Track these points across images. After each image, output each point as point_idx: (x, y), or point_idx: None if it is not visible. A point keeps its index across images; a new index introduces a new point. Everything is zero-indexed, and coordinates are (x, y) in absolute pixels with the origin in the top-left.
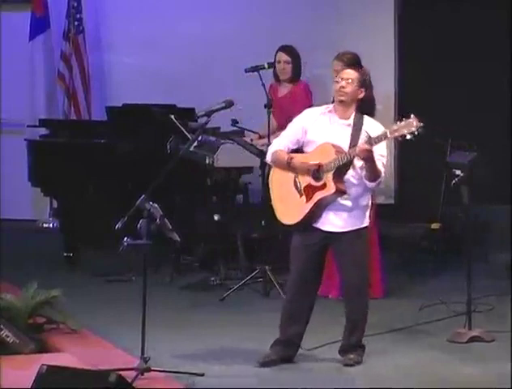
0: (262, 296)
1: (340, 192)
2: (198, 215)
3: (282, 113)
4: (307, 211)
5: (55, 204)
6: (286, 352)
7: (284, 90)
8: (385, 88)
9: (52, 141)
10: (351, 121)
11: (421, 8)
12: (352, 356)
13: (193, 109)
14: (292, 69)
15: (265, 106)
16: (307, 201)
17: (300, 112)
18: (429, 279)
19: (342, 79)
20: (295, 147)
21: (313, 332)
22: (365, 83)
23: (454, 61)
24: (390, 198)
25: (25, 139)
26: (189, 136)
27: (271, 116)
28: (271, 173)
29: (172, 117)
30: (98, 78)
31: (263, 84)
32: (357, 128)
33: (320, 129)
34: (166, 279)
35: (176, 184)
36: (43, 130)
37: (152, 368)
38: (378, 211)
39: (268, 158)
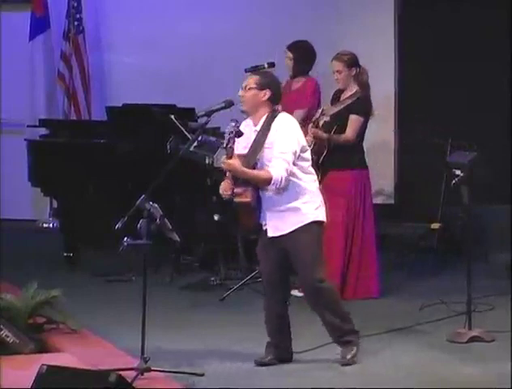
0: (262, 296)
1: (243, 205)
2: (198, 215)
3: (287, 109)
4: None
5: (55, 204)
6: (277, 353)
7: (295, 86)
8: (385, 88)
9: (52, 141)
10: (259, 127)
11: (421, 8)
12: (348, 356)
13: (193, 109)
14: (294, 65)
15: None
16: None
17: (302, 108)
18: (429, 279)
19: (241, 88)
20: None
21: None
22: (272, 83)
23: (454, 61)
24: (390, 198)
25: (25, 139)
26: (189, 136)
27: None
28: None
29: (172, 117)
30: (98, 78)
31: None
32: (262, 134)
33: (244, 140)
34: (166, 279)
35: (176, 184)
36: (43, 130)
37: (152, 368)
38: (378, 211)
39: None
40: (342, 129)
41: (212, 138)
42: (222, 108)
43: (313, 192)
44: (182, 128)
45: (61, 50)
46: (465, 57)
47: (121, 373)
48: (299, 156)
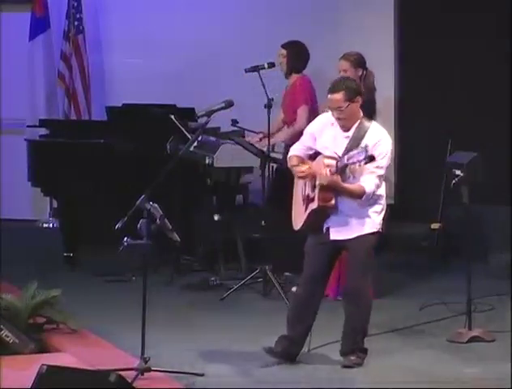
0: (262, 296)
1: (325, 207)
2: (198, 215)
3: (283, 107)
4: (303, 220)
5: (55, 204)
6: (290, 349)
7: (289, 83)
8: (385, 90)
9: (52, 141)
10: (350, 133)
11: (421, 9)
12: (352, 358)
13: (193, 109)
14: (287, 63)
15: (265, 106)
16: (305, 210)
17: (293, 107)
18: (429, 279)
19: (331, 108)
20: (311, 153)
21: (313, 332)
22: (356, 92)
23: (453, 61)
24: (390, 198)
25: (25, 139)
26: (189, 136)
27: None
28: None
29: (172, 117)
30: (98, 78)
31: (263, 84)
32: (355, 140)
33: (326, 139)
34: (166, 279)
35: (176, 184)
36: (43, 130)
37: (152, 368)
38: None
39: (288, 162)
40: None
41: (212, 138)
42: (222, 108)
43: (383, 201)
44: (182, 128)
45: (61, 50)
46: (465, 58)
47: (121, 373)
48: None
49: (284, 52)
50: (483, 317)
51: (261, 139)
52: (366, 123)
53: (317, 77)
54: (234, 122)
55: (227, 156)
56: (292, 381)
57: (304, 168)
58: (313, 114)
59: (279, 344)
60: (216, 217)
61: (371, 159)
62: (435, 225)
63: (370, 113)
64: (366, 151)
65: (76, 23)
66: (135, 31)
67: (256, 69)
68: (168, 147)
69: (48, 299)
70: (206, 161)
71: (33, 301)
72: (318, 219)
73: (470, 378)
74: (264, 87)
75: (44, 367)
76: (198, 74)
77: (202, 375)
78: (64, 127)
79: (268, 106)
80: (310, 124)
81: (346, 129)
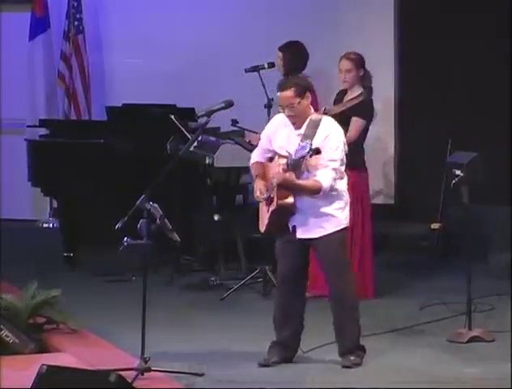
0: (262, 296)
1: (284, 206)
2: (198, 215)
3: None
4: (267, 222)
5: (55, 204)
6: (284, 354)
7: None
8: (385, 89)
9: (52, 141)
10: (302, 130)
11: (421, 9)
12: (352, 358)
13: (193, 109)
14: (285, 65)
15: (265, 106)
16: (267, 212)
17: None
18: (429, 279)
19: (282, 106)
20: (270, 155)
21: (310, 333)
22: (305, 88)
23: (453, 61)
24: (390, 198)
25: (25, 139)
26: (189, 136)
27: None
28: None
29: (172, 117)
30: (98, 78)
31: (263, 84)
32: (307, 137)
33: (280, 140)
34: (166, 279)
35: (176, 184)
36: (43, 130)
37: (152, 368)
38: (378, 212)
39: (251, 169)
40: (344, 130)
41: (212, 138)
42: (222, 108)
43: (345, 196)
44: (182, 128)
45: (61, 50)
46: (465, 58)
47: (121, 373)
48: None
49: (280, 54)
50: (483, 317)
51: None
52: (316, 119)
53: (317, 77)
54: (234, 122)
55: (227, 156)
56: (293, 381)
57: (261, 196)
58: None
59: (272, 352)
60: (216, 217)
61: (317, 151)
62: (435, 225)
63: (369, 112)
64: (311, 144)
65: (76, 23)
66: (135, 31)
67: (256, 69)
68: (168, 147)
69: (48, 299)
70: (206, 161)
71: (33, 301)
72: (280, 218)
73: (470, 378)
74: (264, 87)
75: (44, 367)
76: (198, 74)
77: (202, 375)
78: (64, 127)
79: (268, 106)
80: (266, 127)
81: (297, 126)
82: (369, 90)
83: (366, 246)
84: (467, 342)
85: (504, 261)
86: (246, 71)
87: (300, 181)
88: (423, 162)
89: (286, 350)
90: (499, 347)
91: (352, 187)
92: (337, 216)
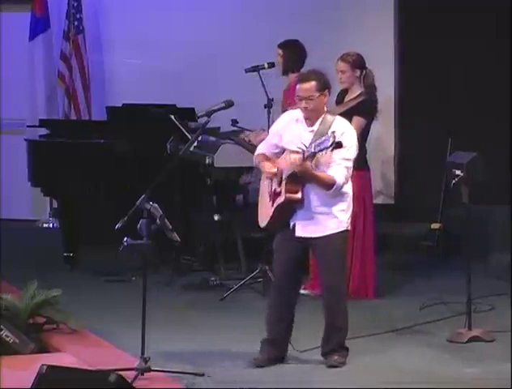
0: (262, 296)
1: (292, 201)
2: (198, 215)
3: (282, 106)
4: (270, 216)
5: (55, 204)
6: (274, 352)
7: (287, 82)
8: (385, 89)
9: (52, 141)
10: (315, 127)
11: (421, 9)
12: (335, 357)
13: (193, 109)
14: (283, 62)
15: (265, 106)
16: (271, 206)
17: (291, 106)
18: (429, 279)
19: (300, 98)
20: (277, 151)
21: (306, 333)
22: (326, 84)
23: (453, 61)
24: (390, 198)
25: (25, 139)
26: (189, 136)
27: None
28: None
29: (172, 117)
30: (98, 78)
31: (263, 84)
32: (320, 134)
33: (291, 135)
34: (166, 279)
35: (176, 184)
36: (43, 130)
37: (152, 368)
38: (378, 212)
39: (254, 161)
40: None
41: (212, 138)
42: (222, 108)
43: (350, 199)
44: (182, 128)
45: (61, 50)
46: (465, 58)
47: (121, 373)
48: None
49: (281, 51)
50: (483, 317)
51: (249, 140)
52: (330, 117)
53: None
54: (234, 122)
55: (227, 156)
56: (291, 381)
57: (274, 170)
58: None
59: (264, 351)
60: (216, 217)
61: (338, 145)
62: (435, 225)
63: (370, 111)
64: (334, 137)
65: (76, 23)
66: (135, 31)
67: (256, 69)
68: (168, 147)
69: (48, 299)
70: (206, 161)
71: (33, 301)
72: (285, 214)
73: (470, 378)
74: (264, 87)
75: (44, 367)
76: (198, 74)
77: (202, 375)
78: (64, 127)
79: (268, 106)
80: (275, 122)
81: (310, 123)
82: (370, 89)
83: (368, 246)
84: (466, 342)
85: (504, 261)
86: (246, 71)
87: (317, 172)
88: (423, 162)
89: (276, 348)
90: (499, 347)
91: (354, 187)
92: (339, 218)
